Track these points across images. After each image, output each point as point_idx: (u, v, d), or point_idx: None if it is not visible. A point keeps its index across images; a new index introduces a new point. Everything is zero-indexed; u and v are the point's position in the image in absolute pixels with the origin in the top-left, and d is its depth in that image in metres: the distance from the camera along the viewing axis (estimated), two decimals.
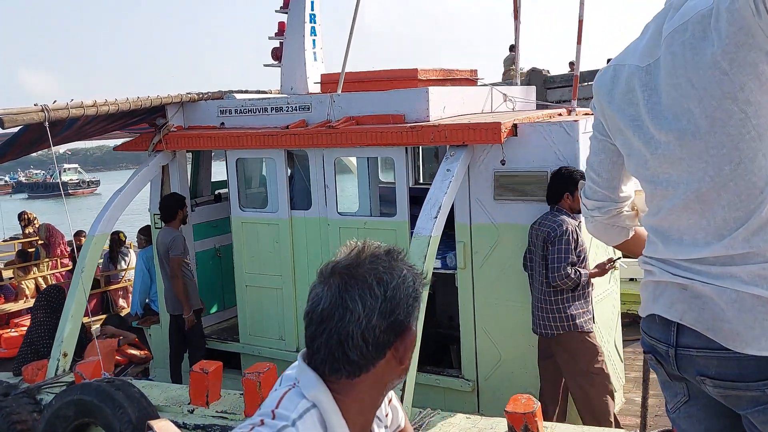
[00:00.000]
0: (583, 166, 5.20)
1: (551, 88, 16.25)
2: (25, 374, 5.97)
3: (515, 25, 7.40)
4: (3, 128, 5.49)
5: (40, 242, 10.28)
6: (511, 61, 18.58)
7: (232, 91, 7.40)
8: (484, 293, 5.62)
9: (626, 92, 1.98)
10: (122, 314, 8.80)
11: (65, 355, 5.93)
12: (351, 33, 6.14)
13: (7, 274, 10.16)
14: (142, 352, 8.08)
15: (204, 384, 5.02)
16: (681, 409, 2.07)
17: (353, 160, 7.57)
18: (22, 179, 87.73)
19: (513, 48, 18.60)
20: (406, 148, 5.84)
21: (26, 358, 6.52)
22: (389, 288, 1.45)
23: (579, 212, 4.78)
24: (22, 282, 9.76)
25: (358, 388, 1.47)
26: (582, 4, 5.93)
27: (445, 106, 5.95)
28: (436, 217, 4.98)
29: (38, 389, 5.65)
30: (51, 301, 6.72)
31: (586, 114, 6.33)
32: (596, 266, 5.14)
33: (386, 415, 1.70)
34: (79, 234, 9.95)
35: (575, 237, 4.95)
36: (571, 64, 19.91)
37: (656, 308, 2.00)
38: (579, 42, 6.10)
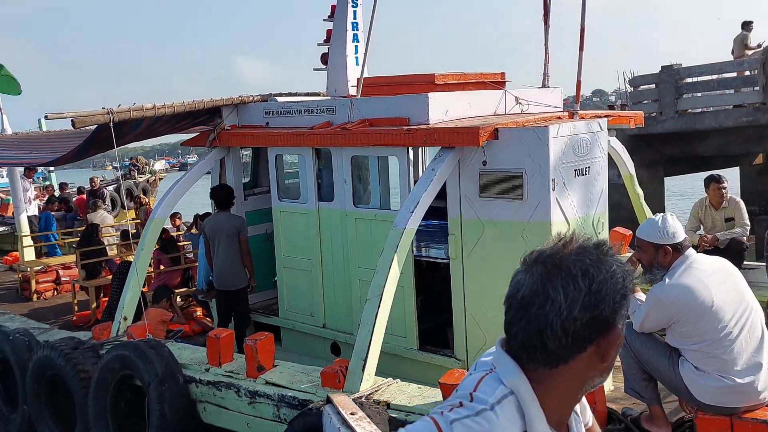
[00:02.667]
0: (554, 170, 5.61)
1: None
2: (93, 333, 7.20)
3: (545, 29, 7.74)
4: (74, 128, 6.67)
5: (139, 223, 11.78)
6: (740, 41, 17.73)
7: (281, 94, 8.31)
8: (471, 282, 6.15)
9: None
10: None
11: (125, 318, 7.09)
12: (367, 42, 6.81)
13: (114, 251, 11.74)
14: (212, 321, 9.25)
15: (217, 348, 5.94)
16: None
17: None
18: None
19: (746, 25, 17.70)
20: (408, 148, 6.46)
21: (105, 321, 7.78)
22: (594, 281, 1.42)
23: None
24: (124, 257, 11.25)
25: (556, 379, 1.45)
26: (583, 13, 6.26)
27: (448, 110, 6.49)
28: (412, 212, 5.60)
29: (101, 345, 6.83)
30: (123, 274, 7.96)
31: (596, 116, 6.65)
32: None
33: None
34: (174, 215, 11.39)
35: None
36: None
37: None
38: (581, 49, 6.42)
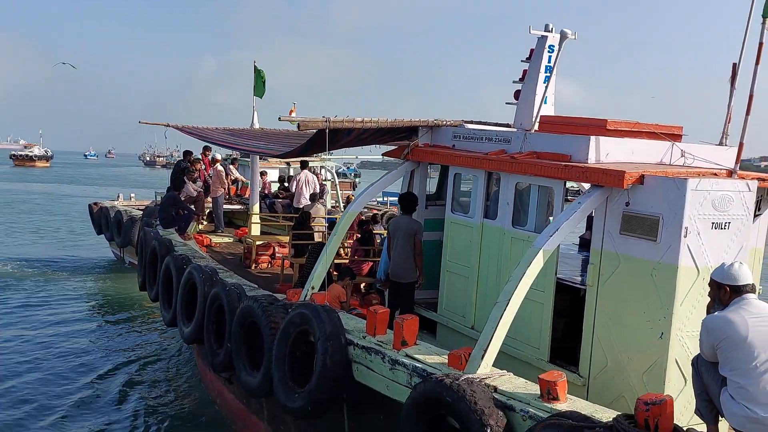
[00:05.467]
0: (688, 220, 6.13)
1: None
2: (287, 295, 8.86)
3: (730, 90, 8.08)
4: (299, 130, 8.36)
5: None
6: None
7: (472, 121, 9.47)
8: (601, 308, 6.81)
9: None
10: None
11: (312, 288, 8.67)
12: (546, 86, 7.71)
13: (319, 237, 13.69)
14: None
15: (374, 321, 7.22)
16: None
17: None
18: None
19: None
20: (564, 181, 7.28)
21: (297, 288, 9.47)
22: None
23: None
24: None
25: None
26: (753, 82, 6.69)
27: (609, 153, 7.21)
28: (551, 236, 6.44)
29: (290, 305, 8.43)
30: (316, 253, 9.60)
31: (758, 179, 6.98)
32: None
33: None
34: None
35: None
36: None
37: None
38: (747, 113, 6.82)
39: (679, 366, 6.24)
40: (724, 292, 4.59)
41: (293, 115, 9.35)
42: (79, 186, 72.52)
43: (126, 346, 16.01)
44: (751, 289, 4.60)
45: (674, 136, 8.11)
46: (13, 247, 29.04)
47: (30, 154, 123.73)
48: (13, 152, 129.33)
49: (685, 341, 6.25)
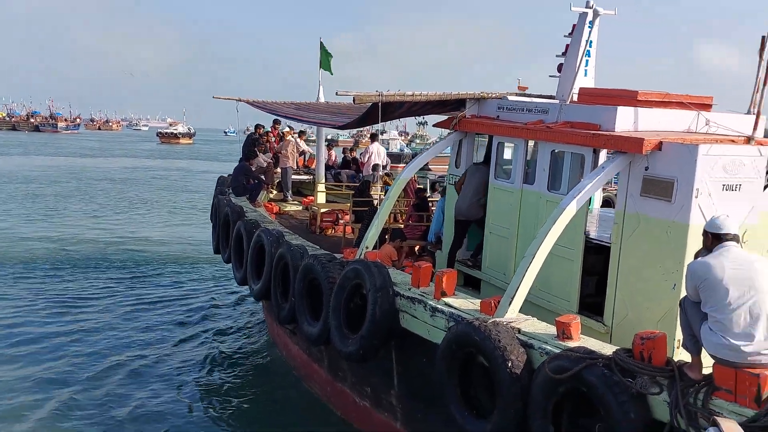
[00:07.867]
0: (699, 182, 6.73)
1: None
2: (344, 254, 9.84)
3: (758, 62, 8.50)
4: (354, 103, 9.25)
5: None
6: None
7: (517, 94, 10.14)
8: (623, 264, 7.49)
9: None
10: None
11: (367, 247, 9.60)
12: (579, 60, 8.33)
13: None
14: None
15: (418, 275, 8.11)
16: None
17: None
18: None
19: None
20: (593, 149, 7.93)
21: (354, 248, 10.44)
22: None
23: None
24: None
25: None
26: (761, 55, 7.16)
27: (636, 122, 7.81)
28: (575, 198, 7.14)
29: (347, 262, 9.39)
30: (371, 216, 10.53)
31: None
32: None
33: None
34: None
35: None
36: None
37: None
38: (766, 84, 7.30)
39: None
40: (709, 240, 5.28)
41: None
42: (217, 162, 74.09)
43: (205, 307, 17.52)
44: (733, 238, 5.25)
45: (703, 106, 8.59)
46: (146, 227, 30.57)
47: (174, 131, 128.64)
48: (159, 130, 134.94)
49: None
